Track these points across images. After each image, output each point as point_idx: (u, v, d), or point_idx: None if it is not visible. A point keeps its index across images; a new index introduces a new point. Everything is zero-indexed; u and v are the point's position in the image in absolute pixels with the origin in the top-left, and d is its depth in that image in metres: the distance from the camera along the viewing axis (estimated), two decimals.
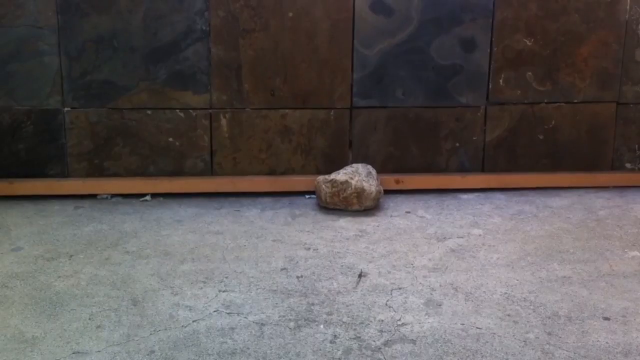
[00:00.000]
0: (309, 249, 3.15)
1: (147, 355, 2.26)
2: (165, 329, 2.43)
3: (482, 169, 4.10)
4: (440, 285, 2.79)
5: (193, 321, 2.49)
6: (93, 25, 3.71)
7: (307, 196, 3.89)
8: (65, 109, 3.77)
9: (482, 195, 3.93)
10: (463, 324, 2.47)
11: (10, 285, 2.74)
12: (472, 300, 2.66)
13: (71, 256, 3.03)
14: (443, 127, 4.03)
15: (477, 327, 2.45)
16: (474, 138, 4.06)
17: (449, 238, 3.30)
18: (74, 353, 2.27)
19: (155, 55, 3.77)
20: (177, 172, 3.90)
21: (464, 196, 3.92)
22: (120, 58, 3.75)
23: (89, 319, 2.49)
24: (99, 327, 2.44)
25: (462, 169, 4.09)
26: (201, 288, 2.74)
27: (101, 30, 3.71)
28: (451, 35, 3.92)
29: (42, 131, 3.78)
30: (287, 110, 3.92)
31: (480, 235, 3.33)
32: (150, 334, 2.39)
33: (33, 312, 2.54)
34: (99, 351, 2.29)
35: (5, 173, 3.79)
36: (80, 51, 3.73)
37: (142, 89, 3.79)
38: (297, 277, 2.86)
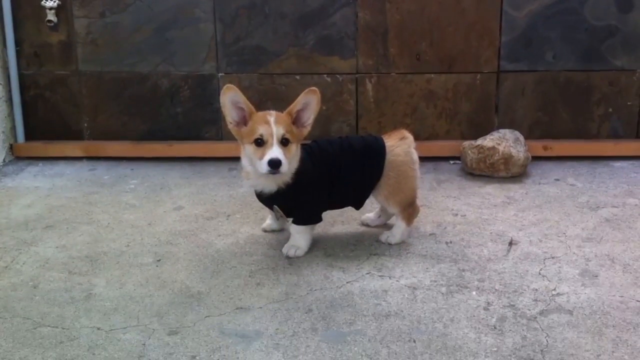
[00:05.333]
0: (457, 214, 3.16)
1: (306, 313, 2.37)
2: (321, 289, 2.52)
3: (637, 136, 3.93)
4: (596, 256, 2.73)
5: (347, 282, 2.57)
6: None
7: (451, 162, 3.88)
8: (220, 74, 3.93)
9: (636, 163, 3.78)
10: (622, 297, 2.42)
11: (175, 242, 2.93)
12: (631, 272, 2.59)
13: (229, 216, 3.19)
14: (595, 91, 3.89)
15: (637, 300, 2.39)
16: (629, 103, 3.89)
17: (603, 207, 3.21)
18: (237, 308, 2.40)
19: (304, 20, 3.84)
20: (323, 136, 3.98)
21: (617, 164, 3.78)
22: (271, 24, 3.86)
23: (249, 276, 2.63)
24: (258, 284, 2.57)
25: (615, 136, 3.93)
26: (352, 251, 2.82)
27: None
28: None
29: (198, 96, 3.97)
30: (432, 75, 3.91)
31: (636, 205, 3.22)
32: (307, 293, 2.49)
33: (197, 268, 2.70)
34: (260, 307, 2.41)
35: (165, 135, 4.03)
36: (234, 17, 3.86)
37: (291, 54, 3.89)
38: (446, 242, 2.88)
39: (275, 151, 2.55)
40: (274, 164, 2.54)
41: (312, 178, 2.70)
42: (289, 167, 2.61)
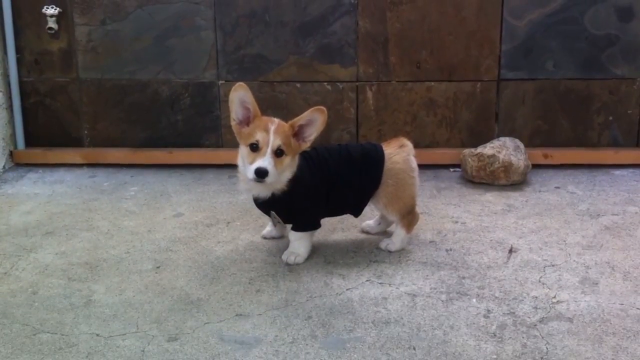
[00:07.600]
0: (457, 222, 3.15)
1: (305, 320, 2.36)
2: (321, 296, 2.52)
3: (637, 144, 3.93)
4: (596, 264, 2.73)
5: (346, 289, 2.57)
6: (246, 0, 3.83)
7: (451, 169, 3.88)
8: (220, 82, 3.94)
9: (637, 171, 3.78)
10: (622, 304, 2.41)
11: (174, 249, 2.93)
12: (631, 280, 2.59)
13: (228, 223, 3.19)
14: (595, 100, 3.89)
15: (637, 308, 2.39)
16: (629, 112, 3.90)
17: (603, 215, 3.20)
18: (236, 315, 2.40)
19: (305, 29, 3.85)
20: (323, 143, 3.98)
21: (617, 172, 3.78)
22: (272, 32, 3.86)
23: (249, 283, 2.62)
24: (258, 291, 2.56)
25: (615, 144, 3.94)
26: (352, 258, 2.82)
27: (254, 5, 3.83)
28: (607, 3, 3.77)
29: (199, 103, 3.97)
30: (432, 83, 3.91)
31: (636, 212, 3.22)
32: (307, 300, 2.49)
33: (197, 275, 2.70)
34: (259, 314, 2.41)
35: (165, 143, 4.03)
36: (234, 26, 3.87)
37: (291, 62, 3.90)
38: (446, 250, 2.88)
39: (265, 161, 2.55)
40: (260, 174, 2.54)
41: (309, 185, 2.70)
42: (278, 177, 2.61)
